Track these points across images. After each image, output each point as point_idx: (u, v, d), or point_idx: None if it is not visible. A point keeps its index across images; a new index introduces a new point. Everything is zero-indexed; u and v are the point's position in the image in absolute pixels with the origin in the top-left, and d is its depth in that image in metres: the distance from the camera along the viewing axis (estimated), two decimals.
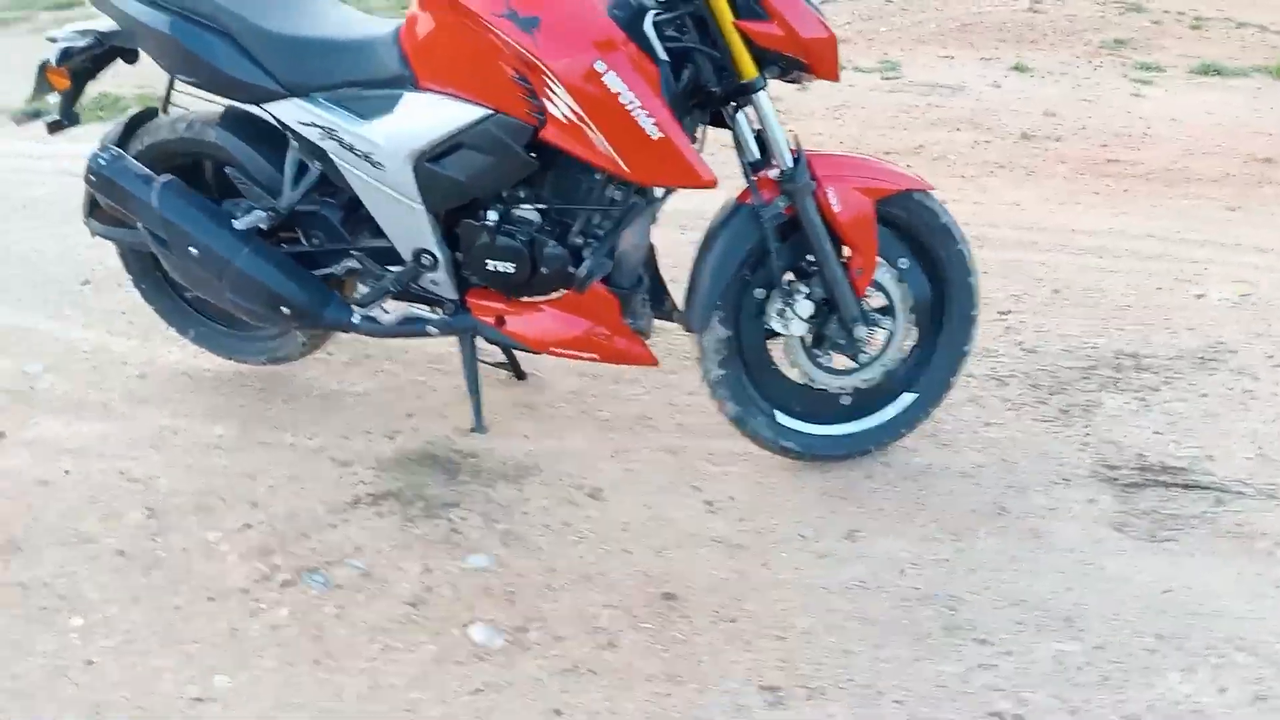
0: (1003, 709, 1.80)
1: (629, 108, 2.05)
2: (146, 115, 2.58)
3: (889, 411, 2.43)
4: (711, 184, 2.15)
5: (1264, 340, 2.89)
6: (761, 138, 2.26)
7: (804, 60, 2.12)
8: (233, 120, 2.44)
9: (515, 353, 2.75)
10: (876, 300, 2.34)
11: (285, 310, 2.40)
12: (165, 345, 2.94)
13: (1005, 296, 3.11)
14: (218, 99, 2.39)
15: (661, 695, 1.84)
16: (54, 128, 2.58)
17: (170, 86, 2.54)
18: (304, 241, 2.47)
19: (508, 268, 2.29)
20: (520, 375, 2.80)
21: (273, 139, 2.43)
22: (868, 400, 2.43)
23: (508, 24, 2.04)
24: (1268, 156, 4.11)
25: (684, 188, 2.17)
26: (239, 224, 2.36)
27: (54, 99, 2.51)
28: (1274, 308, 3.05)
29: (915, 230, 2.32)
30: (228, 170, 2.40)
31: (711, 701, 1.83)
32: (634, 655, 1.94)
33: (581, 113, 2.06)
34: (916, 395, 2.43)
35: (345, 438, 2.57)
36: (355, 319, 2.41)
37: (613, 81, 2.03)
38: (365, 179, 2.28)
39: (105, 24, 2.44)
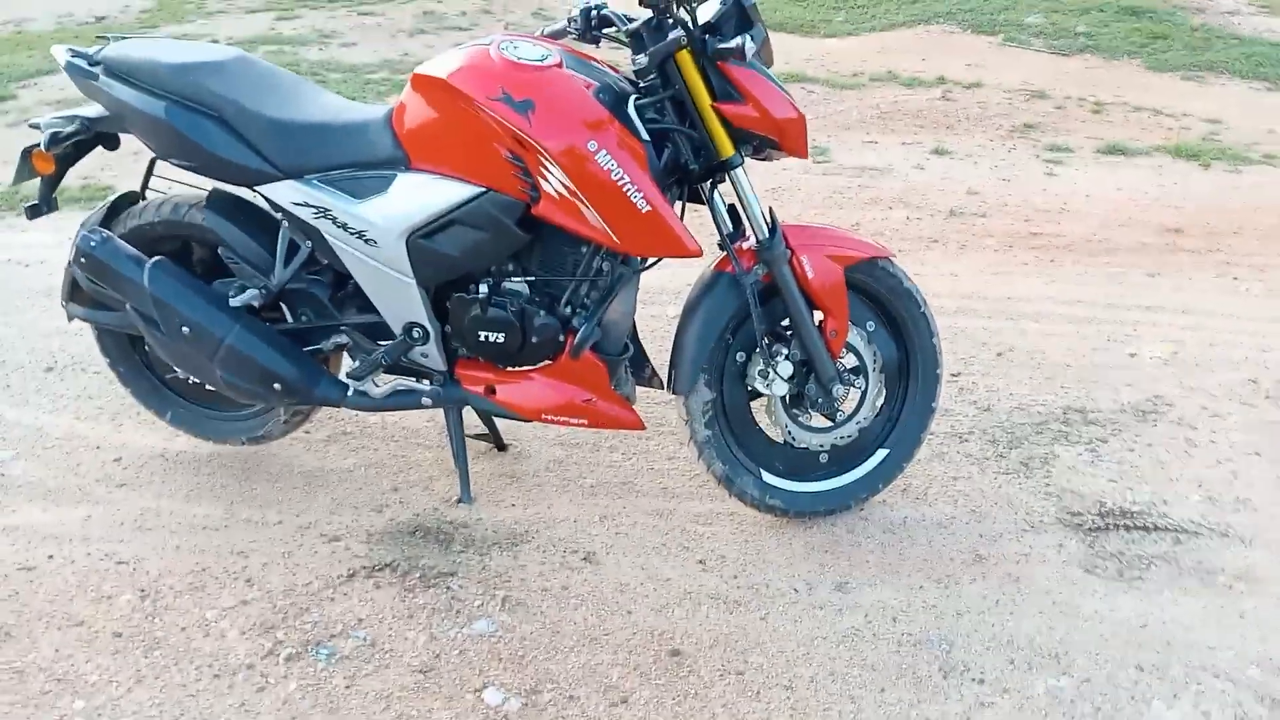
0: None
1: (620, 183, 2.17)
2: (127, 199, 2.62)
3: (865, 467, 2.55)
4: (697, 254, 2.28)
5: (1197, 394, 3.10)
6: (734, 211, 2.40)
7: (776, 139, 2.28)
8: (219, 202, 2.50)
9: (496, 423, 2.82)
10: (848, 361, 2.47)
11: (277, 387, 2.43)
12: (138, 429, 2.93)
13: (955, 360, 3.28)
14: (199, 182, 2.45)
15: None
16: (33, 213, 2.60)
17: (149, 171, 2.60)
18: (290, 319, 2.52)
19: (499, 338, 2.37)
20: (501, 446, 2.86)
21: (259, 219, 2.50)
22: (845, 457, 2.55)
23: (503, 107, 2.16)
24: (1177, 227, 4.42)
25: (671, 257, 2.28)
26: (234, 302, 2.40)
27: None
28: (1202, 364, 3.27)
29: (880, 295, 2.47)
30: (221, 251, 2.45)
31: None
32: (649, 711, 1.99)
33: (575, 189, 2.17)
34: (889, 451, 2.56)
35: (333, 513, 2.59)
36: (349, 394, 2.46)
37: (604, 159, 2.15)
38: (358, 256, 2.35)
39: (91, 109, 2.49)
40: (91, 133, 2.50)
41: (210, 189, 2.51)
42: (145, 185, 2.62)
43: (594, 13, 2.33)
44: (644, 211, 2.19)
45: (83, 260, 2.43)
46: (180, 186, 2.53)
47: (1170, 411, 3.01)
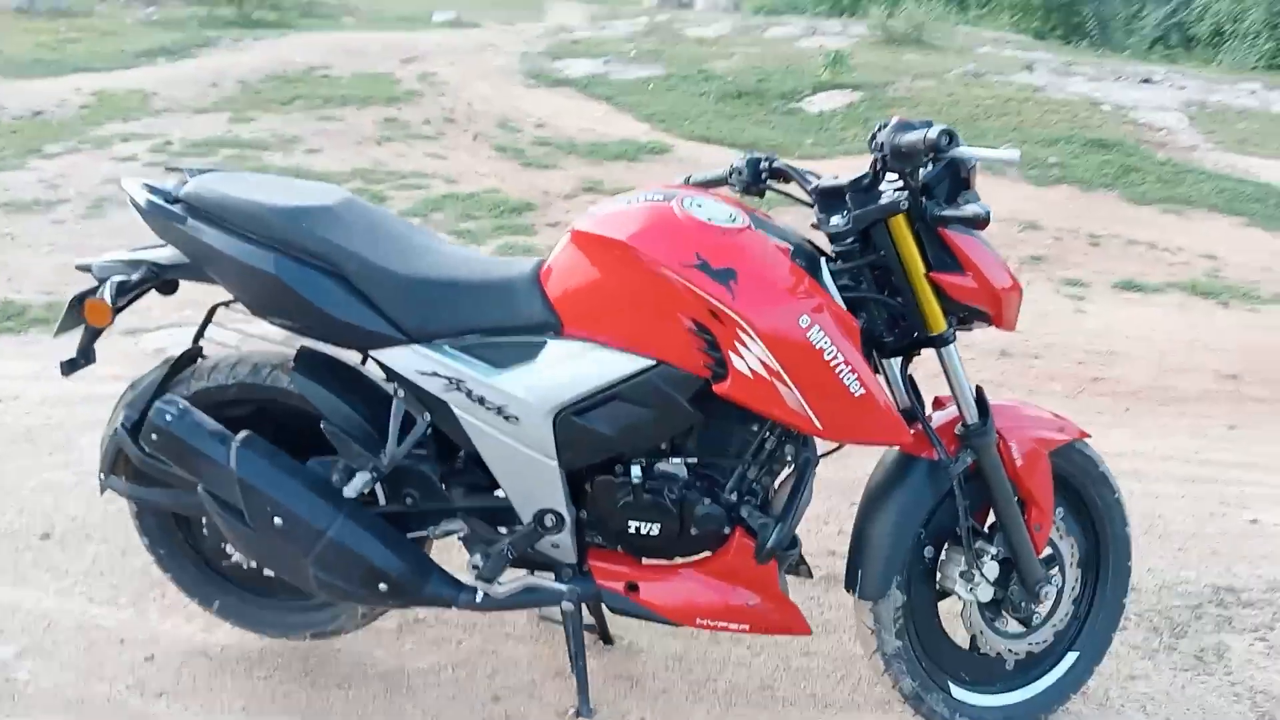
0: None
1: (833, 364, 1.86)
2: (189, 357, 2.21)
3: (1055, 674, 2.24)
4: (909, 440, 1.98)
5: None
6: (911, 383, 2.11)
7: (990, 312, 2.00)
8: (310, 364, 2.11)
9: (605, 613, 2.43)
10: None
11: (383, 588, 2.02)
12: (166, 615, 2.45)
13: None
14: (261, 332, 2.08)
15: None
16: (71, 368, 2.15)
17: (207, 320, 2.20)
18: (385, 500, 2.12)
19: (653, 529, 2.02)
20: (608, 639, 2.47)
21: (357, 383, 2.13)
22: (1033, 663, 2.23)
23: (699, 275, 1.84)
24: (1233, 373, 4.30)
25: (882, 444, 1.98)
26: (347, 491, 2.00)
27: None
28: None
29: (1074, 480, 2.19)
30: (325, 426, 2.03)
31: None
32: None
33: (778, 368, 1.85)
34: (1079, 653, 2.25)
35: None
36: (475, 595, 2.05)
37: (816, 336, 1.84)
38: (493, 433, 1.98)
39: (161, 253, 2.09)
40: (160, 280, 2.10)
41: (299, 347, 2.13)
42: (200, 336, 2.23)
43: (764, 164, 2.06)
44: (856, 395, 1.87)
45: (153, 436, 2.00)
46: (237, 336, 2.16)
47: None
